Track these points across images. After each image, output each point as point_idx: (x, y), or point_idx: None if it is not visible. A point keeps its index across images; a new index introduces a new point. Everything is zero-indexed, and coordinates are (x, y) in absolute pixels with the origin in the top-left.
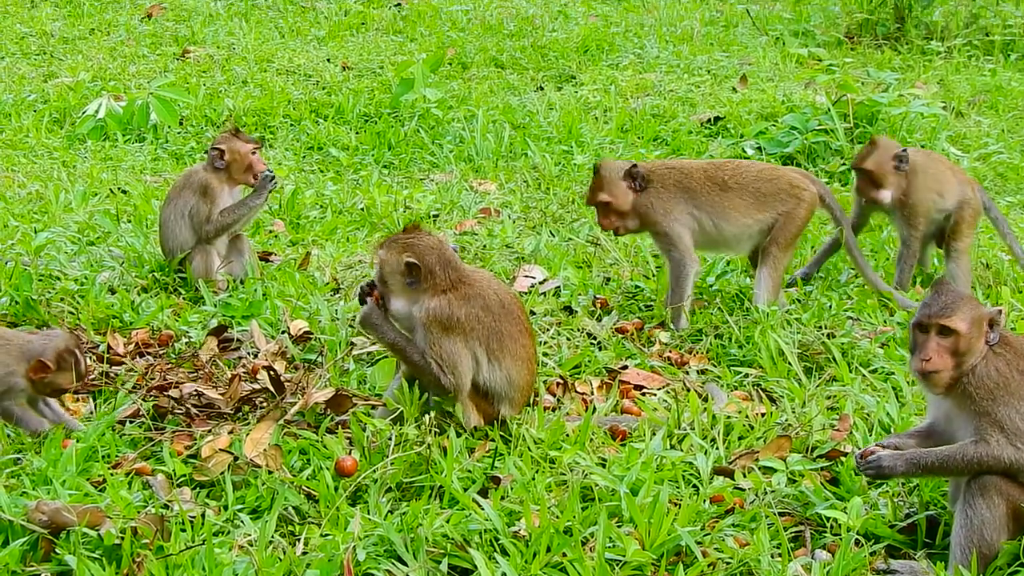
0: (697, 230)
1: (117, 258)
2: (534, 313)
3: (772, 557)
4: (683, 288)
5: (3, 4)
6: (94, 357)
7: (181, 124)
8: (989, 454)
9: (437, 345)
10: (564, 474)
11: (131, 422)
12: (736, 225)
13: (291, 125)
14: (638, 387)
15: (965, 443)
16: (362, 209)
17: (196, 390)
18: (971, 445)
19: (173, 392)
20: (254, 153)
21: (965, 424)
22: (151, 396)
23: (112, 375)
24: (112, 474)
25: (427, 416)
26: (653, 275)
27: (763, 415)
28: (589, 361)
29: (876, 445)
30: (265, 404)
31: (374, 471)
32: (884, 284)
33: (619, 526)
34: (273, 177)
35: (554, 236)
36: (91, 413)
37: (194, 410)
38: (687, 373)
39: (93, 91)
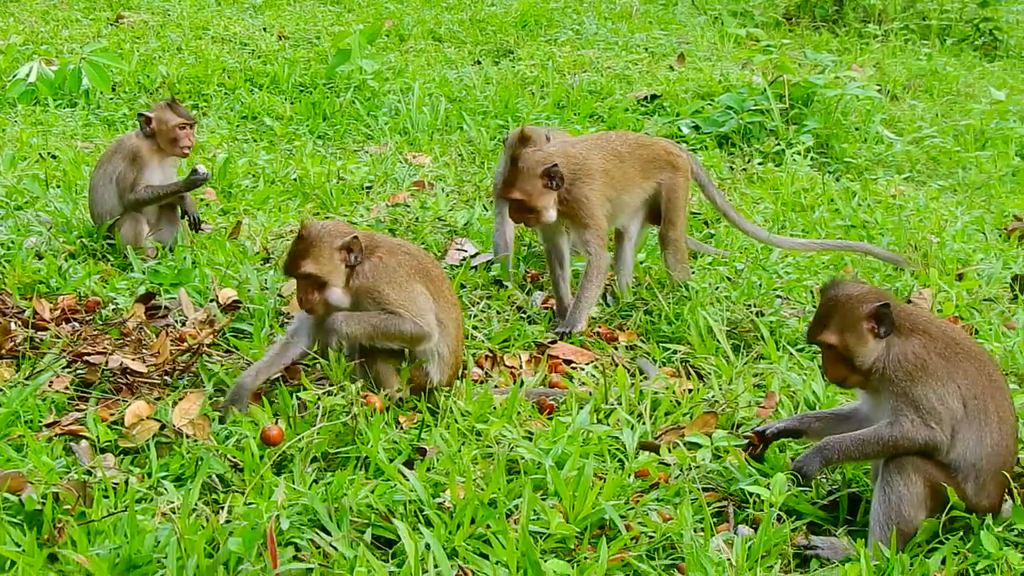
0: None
1: (45, 223)
2: (464, 287)
3: (695, 531)
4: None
5: None
6: (19, 322)
7: (114, 90)
8: (903, 435)
9: (391, 295)
10: (490, 447)
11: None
12: (633, 197)
13: (225, 93)
14: (567, 361)
15: (880, 425)
16: (295, 179)
17: (122, 364)
18: (886, 427)
19: (96, 359)
20: (182, 128)
21: (885, 406)
22: (78, 364)
23: (37, 340)
24: (34, 439)
25: (353, 385)
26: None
27: (690, 391)
28: (518, 335)
29: (773, 425)
30: (194, 369)
31: (300, 440)
32: (763, 232)
33: (544, 499)
34: (204, 177)
35: (487, 210)
36: (23, 379)
37: (119, 379)
38: (616, 348)
39: (24, 55)
